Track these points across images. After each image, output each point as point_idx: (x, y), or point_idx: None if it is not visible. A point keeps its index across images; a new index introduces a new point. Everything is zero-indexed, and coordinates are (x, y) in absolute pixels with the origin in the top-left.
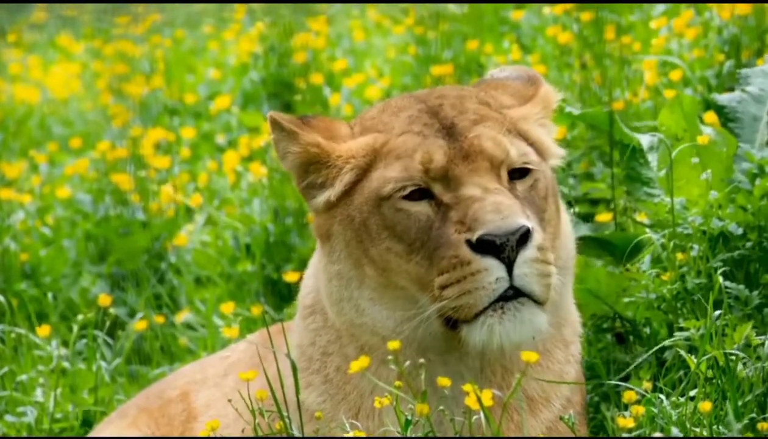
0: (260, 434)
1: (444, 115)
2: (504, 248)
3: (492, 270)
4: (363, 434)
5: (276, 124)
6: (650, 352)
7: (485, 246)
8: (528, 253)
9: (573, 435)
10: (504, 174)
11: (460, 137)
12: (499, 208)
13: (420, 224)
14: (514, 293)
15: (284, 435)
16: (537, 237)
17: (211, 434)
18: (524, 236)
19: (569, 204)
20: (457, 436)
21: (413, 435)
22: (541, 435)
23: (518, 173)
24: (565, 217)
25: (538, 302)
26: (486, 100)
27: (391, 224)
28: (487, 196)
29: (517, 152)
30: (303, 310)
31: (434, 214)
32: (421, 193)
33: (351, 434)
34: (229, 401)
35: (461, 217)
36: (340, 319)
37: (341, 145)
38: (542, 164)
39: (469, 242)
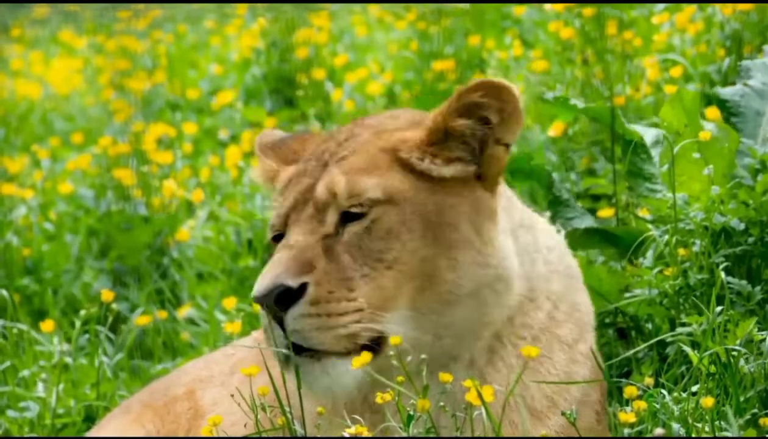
0: (261, 429)
1: (332, 151)
2: (267, 308)
3: (272, 327)
4: (365, 430)
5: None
6: (649, 343)
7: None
8: (296, 310)
9: (577, 435)
10: (331, 219)
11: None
12: (271, 267)
13: None
14: (302, 347)
15: (287, 431)
16: (312, 291)
17: (216, 431)
18: (283, 296)
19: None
20: (457, 437)
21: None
22: (542, 434)
23: (358, 214)
24: (490, 236)
25: (337, 353)
26: (385, 127)
27: None
28: (279, 252)
29: (348, 194)
30: None
31: None
32: (281, 239)
33: (353, 430)
34: (232, 396)
35: None
36: None
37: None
38: (412, 198)
39: None
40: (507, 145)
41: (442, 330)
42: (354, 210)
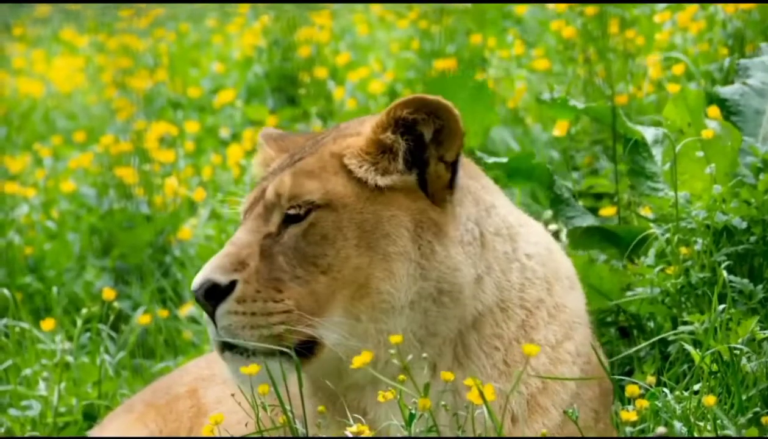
0: (263, 428)
1: (304, 151)
2: (200, 303)
3: (207, 321)
4: (366, 428)
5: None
6: (651, 341)
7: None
8: (224, 307)
9: (580, 435)
10: (276, 219)
11: None
12: (209, 263)
13: None
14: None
15: (288, 430)
16: (240, 289)
17: (217, 430)
18: (212, 291)
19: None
20: (459, 436)
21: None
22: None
23: (299, 216)
24: (432, 249)
25: (266, 353)
26: (348, 132)
27: None
28: (224, 248)
29: (289, 195)
30: None
31: None
32: None
33: (355, 428)
34: (232, 395)
35: None
36: None
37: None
38: (351, 205)
39: None
40: (448, 163)
41: (384, 339)
42: (292, 212)
